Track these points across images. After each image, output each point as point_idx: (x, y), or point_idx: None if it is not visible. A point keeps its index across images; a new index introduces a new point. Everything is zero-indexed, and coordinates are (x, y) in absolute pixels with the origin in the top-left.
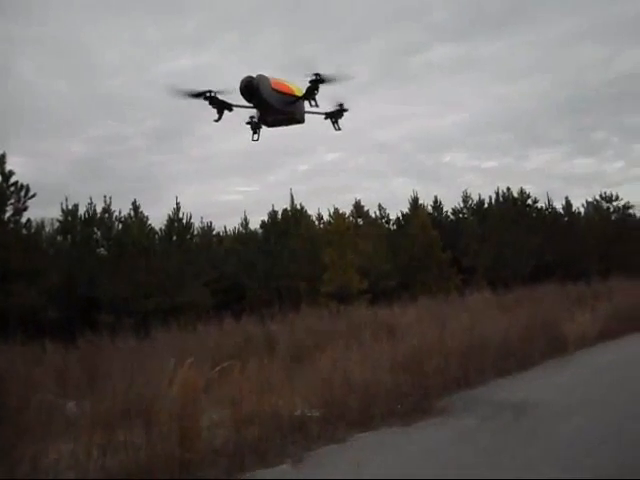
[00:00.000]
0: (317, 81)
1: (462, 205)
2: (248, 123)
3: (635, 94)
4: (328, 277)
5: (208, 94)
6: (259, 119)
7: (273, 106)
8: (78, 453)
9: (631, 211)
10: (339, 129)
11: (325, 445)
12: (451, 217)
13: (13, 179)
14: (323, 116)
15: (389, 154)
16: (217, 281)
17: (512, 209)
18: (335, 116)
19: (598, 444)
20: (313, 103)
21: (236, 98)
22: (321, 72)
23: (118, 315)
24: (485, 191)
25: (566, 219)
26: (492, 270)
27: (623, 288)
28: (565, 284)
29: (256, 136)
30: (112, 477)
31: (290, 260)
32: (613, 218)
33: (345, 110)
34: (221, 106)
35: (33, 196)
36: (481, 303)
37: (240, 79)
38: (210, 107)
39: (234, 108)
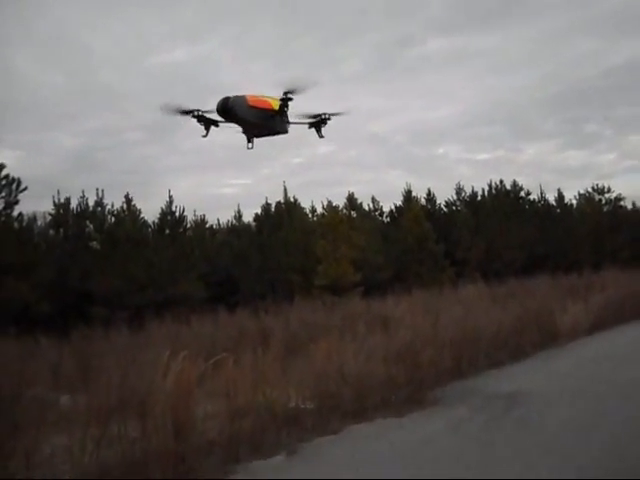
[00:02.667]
0: (286, 99)
1: (455, 197)
2: (243, 132)
3: (628, 86)
4: (322, 270)
5: (196, 112)
6: (243, 133)
7: (251, 122)
8: (72, 447)
9: (623, 203)
10: (322, 137)
11: (319, 436)
12: (444, 209)
13: (4, 172)
14: (307, 126)
15: (383, 147)
16: (211, 274)
17: (505, 201)
18: (318, 125)
19: (588, 433)
20: (285, 119)
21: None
22: (291, 86)
23: (111, 308)
24: (478, 183)
25: (558, 211)
26: (485, 262)
27: (615, 280)
28: (557, 276)
29: (250, 144)
30: (107, 470)
31: (283, 253)
32: (605, 210)
33: (328, 119)
34: (208, 123)
35: (24, 189)
36: (474, 295)
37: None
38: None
39: (220, 124)
